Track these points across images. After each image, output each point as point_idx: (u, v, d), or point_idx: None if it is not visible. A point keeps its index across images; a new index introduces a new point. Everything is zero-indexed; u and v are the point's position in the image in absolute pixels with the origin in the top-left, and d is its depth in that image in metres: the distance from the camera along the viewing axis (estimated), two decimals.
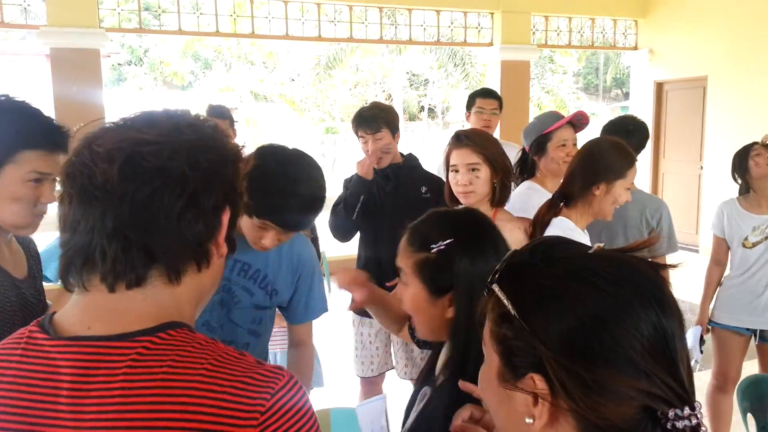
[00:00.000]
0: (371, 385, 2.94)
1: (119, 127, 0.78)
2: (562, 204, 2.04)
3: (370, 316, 2.78)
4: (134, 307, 0.75)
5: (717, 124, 7.57)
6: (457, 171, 2.05)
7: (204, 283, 0.82)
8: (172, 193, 0.74)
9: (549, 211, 2.03)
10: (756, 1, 6.97)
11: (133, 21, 7.19)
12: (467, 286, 1.16)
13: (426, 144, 24.74)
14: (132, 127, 0.77)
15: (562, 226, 1.97)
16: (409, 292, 1.23)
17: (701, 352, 2.71)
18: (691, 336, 2.73)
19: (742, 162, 2.86)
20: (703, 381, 3.48)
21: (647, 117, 8.15)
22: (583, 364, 0.65)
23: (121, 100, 22.60)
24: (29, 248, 1.55)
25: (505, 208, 2.17)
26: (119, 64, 28.54)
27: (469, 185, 2.03)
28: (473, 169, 2.02)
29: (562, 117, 2.69)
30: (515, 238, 1.92)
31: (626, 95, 25.43)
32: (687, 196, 7.97)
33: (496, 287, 0.74)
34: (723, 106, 7.49)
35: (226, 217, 0.81)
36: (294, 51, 19.58)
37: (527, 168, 2.80)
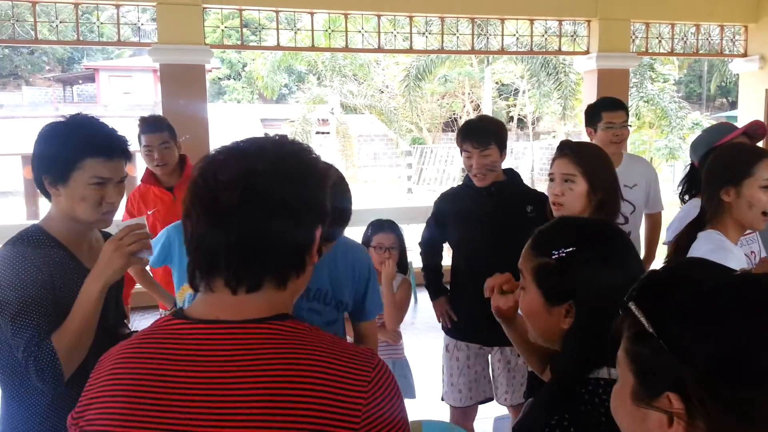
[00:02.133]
0: (464, 415, 2.73)
1: (237, 157, 0.94)
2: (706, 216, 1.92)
3: (466, 339, 2.71)
4: (252, 304, 0.92)
5: None
6: (553, 180, 1.99)
7: (299, 286, 0.99)
8: (281, 216, 0.91)
9: (695, 228, 1.91)
10: None
11: (234, 37, 7.56)
12: (588, 299, 1.10)
13: (515, 155, 24.36)
14: (247, 158, 0.93)
15: (711, 238, 1.84)
16: (526, 296, 1.21)
17: None
18: None
19: None
20: None
21: None
22: (728, 386, 0.65)
23: (221, 113, 23.82)
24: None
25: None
26: (219, 78, 30.17)
27: (561, 196, 1.94)
28: (567, 180, 1.93)
29: (734, 128, 2.53)
30: None
31: (732, 104, 23.91)
32: None
33: (633, 306, 0.74)
34: None
35: (318, 232, 0.97)
36: (384, 63, 19.88)
37: (696, 184, 2.59)
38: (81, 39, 6.45)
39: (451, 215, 2.69)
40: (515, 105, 22.99)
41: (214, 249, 0.90)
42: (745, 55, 8.13)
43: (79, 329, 1.50)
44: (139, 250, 1.56)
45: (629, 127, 3.37)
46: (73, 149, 1.57)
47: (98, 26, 6.51)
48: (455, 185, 2.90)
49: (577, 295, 1.12)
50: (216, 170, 0.91)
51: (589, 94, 7.54)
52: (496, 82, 21.18)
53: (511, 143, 25.98)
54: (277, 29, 6.74)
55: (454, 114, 22.88)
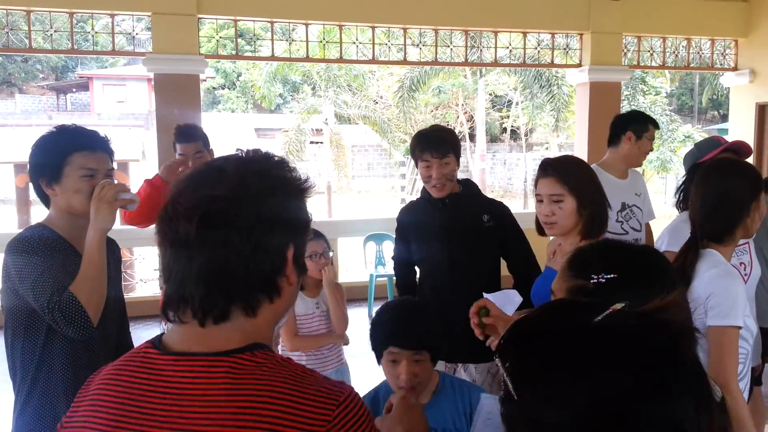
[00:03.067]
0: None
1: (196, 184, 0.92)
2: (705, 239, 1.89)
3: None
4: (222, 334, 0.90)
5: None
6: (541, 201, 1.98)
7: (278, 310, 0.95)
8: (240, 243, 0.88)
9: (696, 248, 1.88)
10: None
11: (229, 47, 7.58)
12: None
13: (509, 165, 24.48)
14: (205, 184, 0.91)
15: (715, 260, 1.83)
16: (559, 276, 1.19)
17: None
18: None
19: None
20: None
21: (749, 140, 7.67)
22: None
23: (216, 122, 23.82)
24: (110, 245, 1.91)
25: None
26: (213, 87, 30.19)
27: (552, 216, 1.93)
28: (556, 201, 1.92)
29: (721, 143, 2.55)
30: None
31: (723, 117, 24.12)
32: None
33: (498, 360, 0.68)
34: None
35: (290, 253, 0.93)
36: (378, 73, 19.96)
37: (688, 196, 2.63)
38: (75, 48, 6.45)
39: (411, 228, 2.64)
40: (508, 116, 23.11)
41: (180, 280, 0.90)
42: (735, 68, 8.22)
43: (91, 275, 1.70)
44: (116, 194, 1.76)
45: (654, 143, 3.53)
46: (61, 149, 1.80)
47: (93, 35, 6.52)
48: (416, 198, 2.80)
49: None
50: (177, 199, 0.91)
51: (581, 107, 7.60)
52: (490, 94, 21.30)
53: (504, 154, 26.07)
54: (272, 40, 6.77)
55: (448, 125, 22.97)
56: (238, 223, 0.88)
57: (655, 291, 1.06)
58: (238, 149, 0.97)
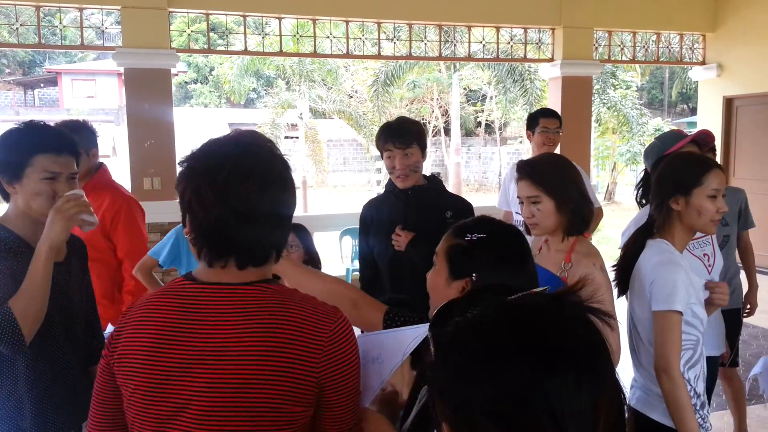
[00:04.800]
0: None
1: (240, 161, 1.12)
2: (655, 225, 1.96)
3: None
4: (250, 272, 1.14)
5: None
6: (522, 203, 1.99)
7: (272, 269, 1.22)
8: (289, 203, 1.19)
9: (645, 235, 1.95)
10: None
11: (201, 41, 7.49)
12: (484, 281, 1.24)
13: (483, 159, 24.62)
14: (255, 160, 1.13)
15: (660, 248, 1.89)
16: (434, 272, 1.38)
17: None
18: (761, 365, 2.60)
19: None
20: None
21: (716, 133, 7.84)
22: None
23: (188, 117, 23.52)
24: (75, 245, 1.93)
25: (588, 237, 2.03)
26: (186, 82, 29.78)
27: (532, 218, 1.95)
28: (533, 202, 1.93)
29: (685, 135, 2.59)
30: (590, 274, 1.84)
31: (693, 110, 24.60)
32: (759, 215, 7.58)
33: (428, 332, 0.74)
34: None
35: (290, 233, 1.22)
36: (353, 68, 19.90)
37: (649, 190, 2.68)
38: (43, 42, 6.32)
39: (374, 223, 2.61)
40: (483, 110, 23.23)
41: (240, 239, 1.11)
42: (703, 63, 8.39)
43: (32, 290, 1.64)
44: (77, 213, 1.71)
45: (559, 134, 3.77)
46: (24, 148, 1.73)
47: (61, 29, 6.38)
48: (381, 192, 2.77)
49: (476, 274, 1.29)
50: (231, 169, 1.10)
51: (554, 101, 7.68)
52: (464, 88, 21.38)
53: (479, 148, 26.19)
54: (245, 34, 6.71)
55: (423, 119, 23.00)
56: (289, 187, 1.17)
57: (514, 255, 1.30)
58: (234, 130, 1.23)
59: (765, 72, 7.52)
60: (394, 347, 1.24)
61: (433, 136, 23.31)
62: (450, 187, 18.43)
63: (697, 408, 1.86)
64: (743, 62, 7.84)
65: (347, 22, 6.96)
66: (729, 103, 8.19)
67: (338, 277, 1.69)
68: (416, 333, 1.22)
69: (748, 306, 3.23)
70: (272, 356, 1.06)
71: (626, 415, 0.67)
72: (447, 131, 21.93)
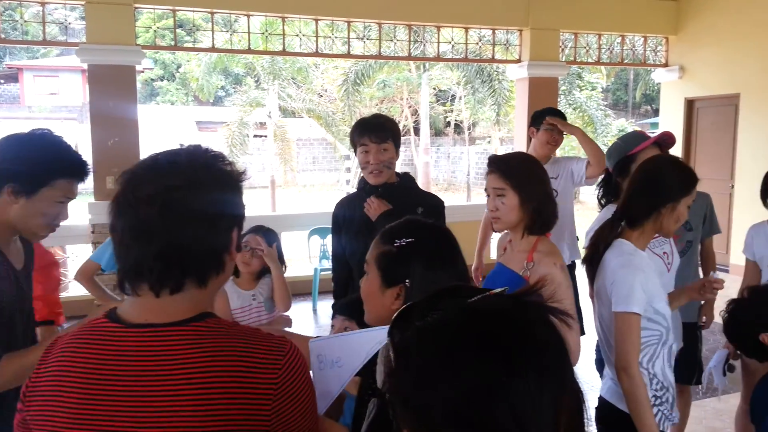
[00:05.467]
0: None
1: (152, 175, 1.03)
2: (623, 224, 1.99)
3: None
4: (175, 304, 1.02)
5: (749, 143, 7.46)
6: (489, 196, 2.02)
7: (220, 283, 1.10)
8: (197, 224, 1.02)
9: (611, 231, 1.99)
10: None
11: (168, 38, 7.38)
12: (418, 286, 1.26)
13: (453, 159, 24.80)
14: (162, 176, 1.03)
15: (623, 250, 1.93)
16: (367, 280, 1.37)
17: (724, 374, 2.65)
18: (715, 359, 2.68)
19: (765, 183, 2.81)
20: (731, 404, 3.43)
21: (677, 134, 8.05)
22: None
23: (154, 115, 23.14)
24: (28, 251, 1.86)
25: (550, 237, 2.05)
26: (152, 79, 29.28)
27: (496, 211, 1.97)
28: (499, 195, 1.96)
29: (647, 137, 2.63)
30: (551, 274, 1.87)
31: (656, 111, 25.16)
32: (718, 214, 7.82)
33: (388, 336, 0.74)
34: (755, 124, 7.37)
35: (235, 234, 1.09)
36: (323, 66, 19.82)
37: (611, 190, 2.73)
38: (3, 37, 6.16)
39: (345, 222, 2.60)
40: (452, 110, 23.38)
41: (139, 258, 1.01)
42: (666, 65, 8.60)
43: (27, 367, 1.40)
44: None
45: (564, 135, 3.80)
46: (49, 169, 1.66)
47: (22, 24, 6.22)
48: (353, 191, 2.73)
49: (408, 280, 1.29)
50: (136, 187, 1.02)
51: (521, 101, 7.79)
52: (434, 88, 21.48)
53: (448, 148, 26.26)
54: (212, 31, 6.64)
55: (393, 118, 23.03)
56: (195, 207, 1.02)
57: (444, 256, 1.29)
58: (180, 144, 1.10)
59: (725, 74, 7.75)
60: (353, 351, 1.23)
61: (403, 136, 23.35)
62: (420, 186, 18.39)
63: (664, 400, 1.92)
64: (704, 65, 8.06)
65: (317, 21, 6.95)
66: (690, 105, 8.42)
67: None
68: (378, 336, 1.20)
69: (704, 318, 3.09)
70: (215, 405, 0.95)
71: (585, 413, 0.68)
72: (416, 131, 22.01)
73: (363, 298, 1.38)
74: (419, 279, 1.28)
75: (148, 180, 1.03)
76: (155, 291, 1.01)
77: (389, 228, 1.38)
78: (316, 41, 7.04)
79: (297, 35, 7.11)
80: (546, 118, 3.70)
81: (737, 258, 6.63)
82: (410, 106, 21.94)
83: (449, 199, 17.22)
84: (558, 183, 3.71)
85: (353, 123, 2.70)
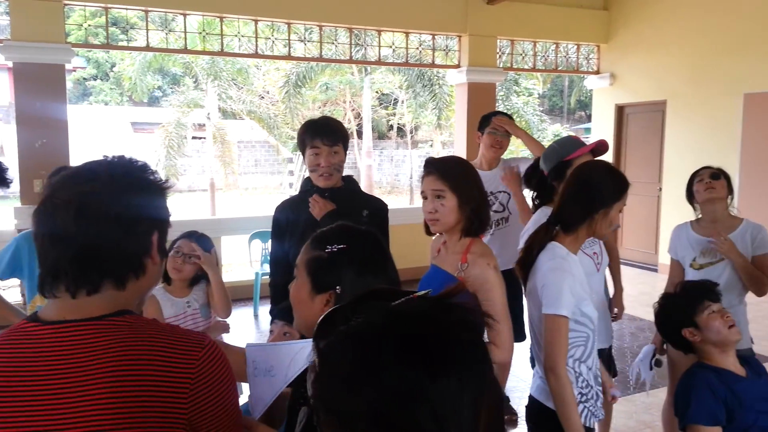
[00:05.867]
0: None
1: (71, 182, 1.07)
2: (557, 228, 2.03)
3: None
4: (93, 303, 1.05)
5: (675, 147, 7.84)
6: (426, 198, 2.04)
7: (143, 286, 1.12)
8: (112, 229, 1.05)
9: (546, 235, 2.04)
10: (713, 29, 7.28)
11: (101, 36, 7.13)
12: (349, 292, 1.26)
13: (396, 162, 24.96)
14: (79, 182, 1.06)
15: (555, 253, 1.98)
16: (296, 286, 1.35)
17: (651, 368, 2.77)
18: (642, 354, 2.80)
19: (689, 187, 2.96)
20: (660, 398, 3.59)
21: (609, 138, 8.38)
22: None
23: (87, 115, 22.24)
24: None
25: (483, 239, 2.10)
26: (84, 78, 28.12)
27: (434, 213, 1.99)
28: (438, 196, 1.98)
29: (582, 142, 2.70)
30: (484, 275, 1.91)
31: (589, 117, 26.09)
32: (647, 216, 8.20)
33: (313, 341, 0.74)
34: (680, 129, 7.76)
35: (155, 238, 1.12)
36: (264, 68, 19.58)
37: (546, 192, 2.80)
38: None
39: (289, 226, 2.57)
40: (395, 114, 23.54)
41: (56, 262, 1.04)
42: (597, 72, 8.94)
43: None
44: None
45: (507, 137, 3.82)
46: None
47: None
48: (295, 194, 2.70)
49: (340, 288, 1.28)
50: (54, 194, 1.06)
51: (460, 106, 7.93)
52: (377, 92, 21.57)
53: (391, 151, 26.36)
54: (147, 29, 6.45)
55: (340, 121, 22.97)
56: (109, 213, 1.04)
57: (375, 262, 1.30)
58: (104, 156, 1.14)
59: (652, 81, 8.12)
60: (285, 362, 1.22)
61: None
62: (362, 190, 18.41)
63: (589, 397, 1.98)
64: (633, 72, 8.42)
65: (256, 21, 6.86)
66: (620, 111, 8.78)
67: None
68: (309, 348, 1.20)
69: (615, 310, 3.21)
70: (132, 396, 0.96)
71: (503, 411, 0.69)
72: (359, 134, 22.04)
73: (292, 304, 1.36)
74: (350, 286, 1.27)
75: (66, 187, 1.06)
76: (71, 292, 1.04)
77: (320, 233, 1.37)
78: (256, 42, 6.95)
79: (236, 36, 7.00)
80: (492, 119, 3.75)
81: (665, 257, 6.97)
82: (353, 109, 21.96)
83: (392, 202, 17.32)
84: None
85: (296, 125, 2.70)
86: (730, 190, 2.91)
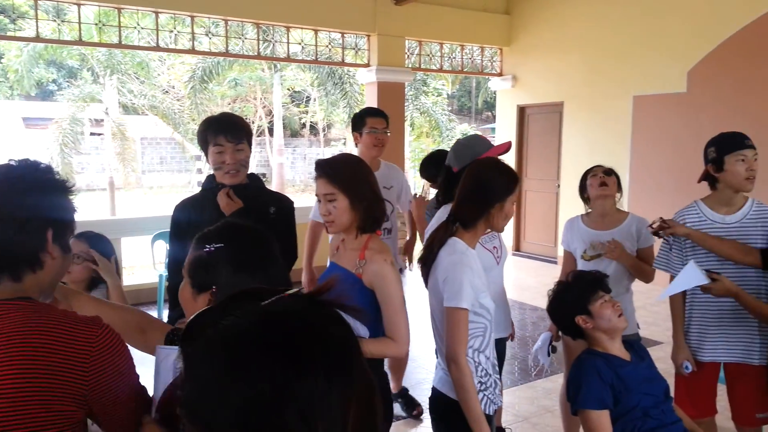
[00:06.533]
0: None
1: None
2: (457, 225, 2.08)
3: None
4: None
5: (571, 147, 8.28)
6: (320, 200, 2.04)
7: (42, 279, 1.23)
8: (7, 228, 1.17)
9: (446, 232, 2.09)
10: (605, 35, 7.73)
11: None
12: (224, 292, 1.24)
13: (309, 161, 24.78)
14: None
15: (456, 248, 2.04)
16: (183, 285, 1.37)
17: (548, 354, 2.92)
18: (540, 341, 2.95)
19: (582, 183, 3.15)
20: (559, 383, 3.78)
21: (512, 138, 8.74)
22: None
23: None
24: None
25: (380, 234, 2.11)
26: None
27: (329, 215, 2.00)
28: (330, 200, 1.99)
29: (489, 141, 2.76)
30: (381, 270, 1.93)
31: (495, 117, 27.08)
32: (547, 211, 8.62)
33: (178, 347, 0.70)
34: (576, 129, 8.21)
35: (50, 234, 1.21)
36: (169, 62, 18.83)
37: (452, 190, 2.83)
38: None
39: (192, 226, 2.39)
40: (307, 112, 23.37)
41: None
42: (501, 74, 9.28)
43: None
44: None
45: (387, 134, 3.68)
46: None
47: None
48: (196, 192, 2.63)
49: (218, 288, 1.28)
50: None
51: (370, 104, 7.98)
52: (288, 89, 21.33)
53: (304, 149, 26.16)
54: (36, 18, 6.03)
55: (246, 118, 22.50)
56: (2, 214, 1.16)
57: (254, 261, 1.31)
58: (10, 160, 1.24)
59: (550, 84, 8.53)
60: (166, 364, 1.21)
61: (258, 136, 22.93)
62: (274, 188, 18.20)
63: (488, 385, 2.06)
64: (533, 74, 8.81)
65: (157, 13, 6.59)
66: (522, 111, 9.16)
67: (122, 304, 1.66)
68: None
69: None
70: (30, 376, 1.08)
71: (377, 404, 0.69)
72: (271, 131, 21.71)
73: (181, 303, 1.35)
74: (225, 285, 1.26)
75: None
76: None
77: (204, 232, 1.36)
78: (157, 35, 6.67)
79: (135, 28, 6.68)
80: (366, 120, 3.57)
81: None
82: (264, 106, 21.59)
83: (306, 201, 17.20)
84: (395, 194, 3.78)
85: (207, 117, 2.58)
86: (619, 188, 3.11)
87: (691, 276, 2.45)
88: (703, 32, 6.67)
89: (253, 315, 0.66)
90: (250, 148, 2.47)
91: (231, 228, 1.36)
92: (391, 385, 3.53)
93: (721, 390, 2.73)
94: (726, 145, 2.57)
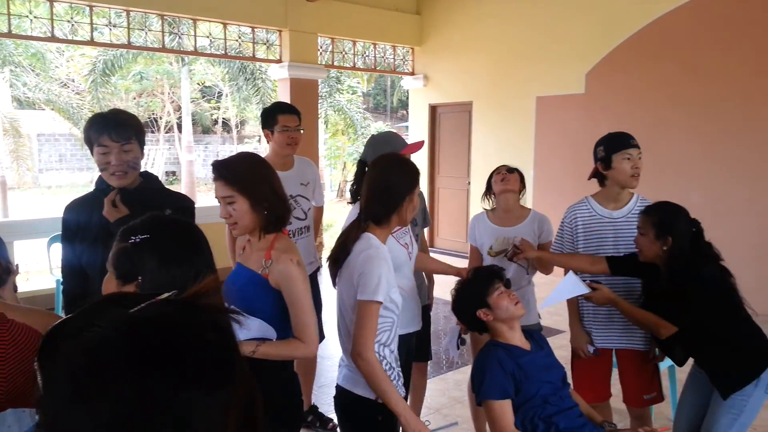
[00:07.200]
0: None
1: None
2: (369, 222, 2.09)
3: None
4: None
5: (479, 145, 8.54)
6: (220, 204, 1.98)
7: None
8: None
9: (358, 230, 2.09)
10: (510, 37, 8.02)
11: None
12: (150, 284, 1.27)
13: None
14: None
15: (370, 243, 2.05)
16: (107, 277, 1.38)
17: (458, 347, 3.00)
18: (449, 335, 3.02)
19: (489, 180, 3.26)
20: (467, 375, 3.89)
21: (424, 136, 8.90)
22: None
23: None
24: None
25: (287, 233, 2.09)
26: None
27: (230, 218, 1.96)
28: (230, 203, 1.94)
29: (403, 138, 2.76)
30: (288, 270, 1.91)
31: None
32: (458, 208, 8.85)
33: (36, 365, 0.63)
34: (484, 128, 8.47)
35: None
36: (68, 54, 17.76)
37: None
38: None
39: (80, 229, 2.31)
40: (219, 108, 22.73)
41: None
42: (413, 73, 9.41)
43: None
44: None
45: (300, 131, 3.56)
46: None
47: None
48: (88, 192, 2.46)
49: (142, 279, 1.29)
50: None
51: (283, 101, 7.87)
52: (198, 83, 20.66)
53: (217, 146, 25.44)
54: None
55: (153, 114, 21.62)
56: None
57: (180, 253, 1.31)
58: None
59: (460, 83, 8.75)
60: None
61: (166, 132, 22.06)
62: (183, 187, 17.59)
63: (392, 378, 2.08)
64: (444, 74, 9.01)
65: (51, 2, 6.18)
66: (433, 110, 9.34)
67: (28, 306, 1.57)
68: None
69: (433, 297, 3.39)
70: None
71: (258, 405, 0.66)
72: (180, 127, 20.95)
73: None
74: (151, 276, 1.27)
75: None
76: None
77: (130, 225, 1.37)
78: (52, 24, 6.27)
79: (27, 16, 6.25)
80: (278, 117, 3.43)
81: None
82: (173, 102, 20.77)
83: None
84: (310, 191, 3.67)
85: (93, 115, 2.41)
86: (523, 185, 3.24)
87: (572, 286, 2.61)
88: (600, 36, 7.06)
89: (119, 323, 0.61)
90: (142, 148, 2.32)
91: (158, 220, 1.37)
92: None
93: (614, 375, 2.91)
94: (613, 145, 2.73)
